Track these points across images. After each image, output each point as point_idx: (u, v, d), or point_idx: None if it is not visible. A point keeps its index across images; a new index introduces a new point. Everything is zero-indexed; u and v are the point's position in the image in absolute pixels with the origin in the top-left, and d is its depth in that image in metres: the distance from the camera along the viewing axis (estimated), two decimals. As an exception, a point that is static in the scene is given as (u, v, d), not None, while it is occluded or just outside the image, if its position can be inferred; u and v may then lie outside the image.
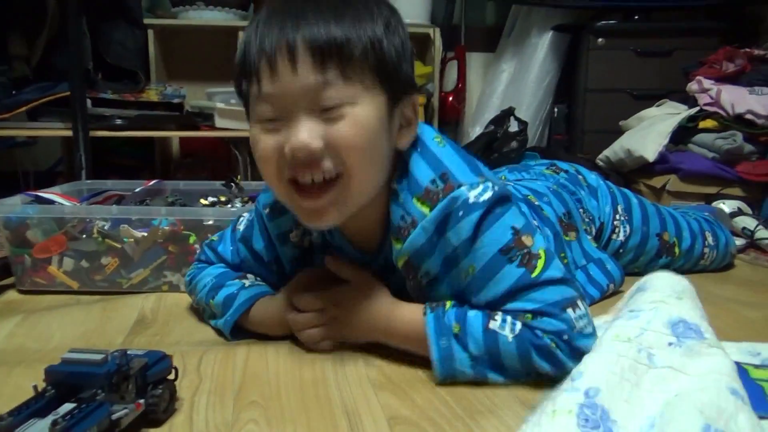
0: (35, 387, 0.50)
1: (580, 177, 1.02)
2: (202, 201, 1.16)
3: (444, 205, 0.62)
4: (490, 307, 0.63)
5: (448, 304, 0.65)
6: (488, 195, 0.62)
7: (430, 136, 0.68)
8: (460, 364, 0.61)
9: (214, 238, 0.85)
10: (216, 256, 0.82)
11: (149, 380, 0.54)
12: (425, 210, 0.63)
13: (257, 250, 0.78)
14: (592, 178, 1.04)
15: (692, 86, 1.74)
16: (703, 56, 1.80)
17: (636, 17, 2.15)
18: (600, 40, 2.10)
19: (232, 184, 1.20)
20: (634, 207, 1.02)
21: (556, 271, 0.62)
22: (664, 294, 0.60)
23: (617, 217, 1.00)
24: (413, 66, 0.66)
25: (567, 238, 0.88)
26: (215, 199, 1.15)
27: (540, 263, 0.62)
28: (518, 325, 0.60)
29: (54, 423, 0.44)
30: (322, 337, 0.69)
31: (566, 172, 1.03)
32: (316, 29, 0.57)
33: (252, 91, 0.61)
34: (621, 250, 1.00)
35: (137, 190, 1.16)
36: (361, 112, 0.59)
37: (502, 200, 0.63)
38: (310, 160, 0.59)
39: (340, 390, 0.61)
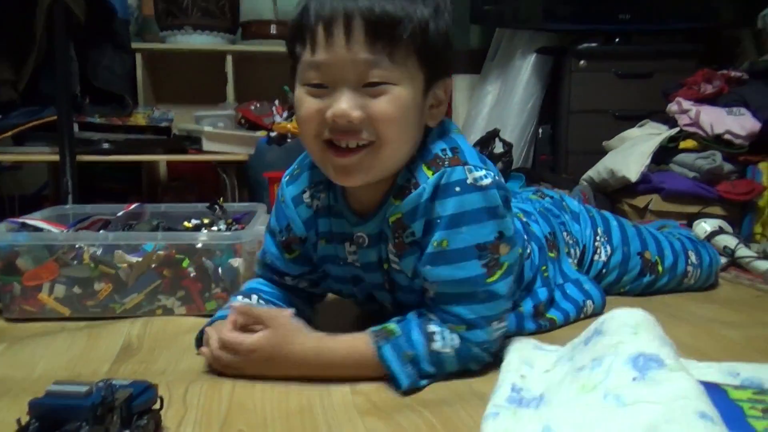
0: (18, 421, 0.50)
1: (564, 203, 1.06)
2: (186, 224, 1.16)
3: (444, 172, 0.67)
4: (438, 298, 0.69)
5: (393, 329, 0.68)
6: (488, 181, 0.67)
7: (452, 125, 0.75)
8: (414, 382, 0.67)
9: None
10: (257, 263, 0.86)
11: (134, 411, 0.54)
12: (429, 174, 0.68)
13: (272, 227, 0.82)
14: (575, 204, 1.08)
15: (672, 107, 1.77)
16: (682, 78, 1.85)
17: (617, 40, 2.20)
18: (582, 62, 2.15)
19: (216, 206, 1.21)
20: (613, 228, 1.05)
21: (504, 286, 0.69)
22: (620, 335, 0.62)
23: (597, 238, 1.03)
24: (452, 49, 0.70)
25: (550, 255, 0.92)
26: (198, 221, 1.16)
27: (498, 273, 0.68)
28: (456, 340, 0.68)
29: (38, 457, 0.44)
30: (243, 371, 0.70)
31: (551, 198, 1.07)
32: (374, 3, 0.61)
33: (304, 56, 0.65)
34: (604, 270, 1.03)
35: (119, 214, 1.16)
36: (400, 92, 0.64)
37: (507, 202, 0.70)
38: (348, 128, 0.63)
39: (326, 417, 0.61)
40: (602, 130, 2.04)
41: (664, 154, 1.73)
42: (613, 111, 2.13)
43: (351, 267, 0.79)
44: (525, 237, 0.87)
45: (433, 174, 0.67)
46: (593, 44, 2.17)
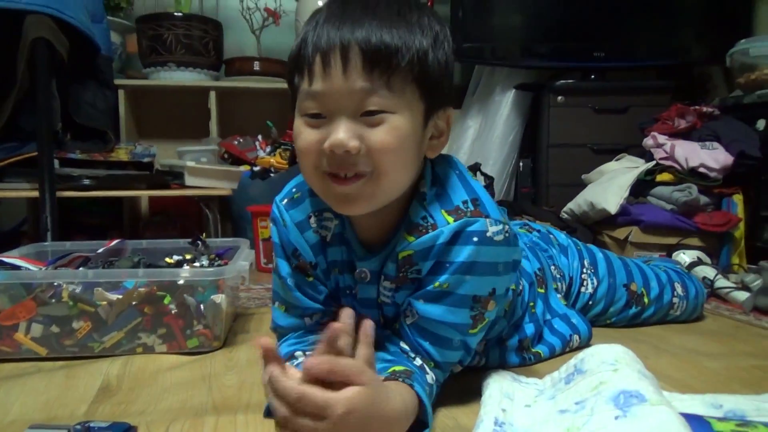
0: None
1: (551, 236, 1.07)
2: (168, 260, 1.14)
3: (467, 221, 0.67)
4: (416, 328, 0.70)
5: (404, 367, 0.66)
6: (500, 238, 0.67)
7: (464, 168, 0.74)
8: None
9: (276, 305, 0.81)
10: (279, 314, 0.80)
11: None
12: (449, 220, 0.68)
13: (283, 252, 0.77)
14: (562, 237, 1.09)
15: (647, 141, 1.82)
16: (657, 113, 1.90)
17: (593, 76, 2.26)
18: (560, 98, 2.20)
19: (198, 241, 1.20)
20: (599, 260, 1.06)
21: (477, 340, 0.72)
22: (601, 374, 0.63)
23: (584, 270, 1.04)
24: (452, 80, 0.70)
25: (539, 290, 0.93)
26: (180, 257, 1.15)
27: (479, 326, 0.70)
28: (433, 375, 0.69)
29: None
30: None
31: (538, 231, 1.08)
32: (370, 34, 0.61)
33: (302, 86, 0.64)
34: (591, 302, 1.04)
35: (100, 250, 1.15)
36: (399, 121, 0.63)
37: (515, 265, 0.72)
38: (345, 158, 0.62)
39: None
40: (581, 163, 2.08)
41: (641, 187, 1.76)
42: (591, 145, 2.18)
43: (350, 299, 0.78)
44: (517, 274, 0.87)
45: (453, 221, 0.67)
46: (570, 81, 2.23)
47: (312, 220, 0.76)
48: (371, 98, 0.61)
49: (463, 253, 0.66)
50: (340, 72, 0.61)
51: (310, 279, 0.77)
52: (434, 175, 0.71)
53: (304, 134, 0.65)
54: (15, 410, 0.74)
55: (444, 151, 0.75)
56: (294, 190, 0.78)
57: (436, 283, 0.67)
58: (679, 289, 1.10)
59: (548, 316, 0.93)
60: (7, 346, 0.92)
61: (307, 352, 0.72)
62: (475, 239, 0.66)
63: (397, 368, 0.65)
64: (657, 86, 2.25)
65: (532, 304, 0.90)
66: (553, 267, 1.00)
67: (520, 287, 0.87)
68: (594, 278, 1.04)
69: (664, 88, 2.23)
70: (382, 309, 0.76)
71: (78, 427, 0.51)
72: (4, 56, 1.58)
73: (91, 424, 0.53)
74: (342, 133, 0.61)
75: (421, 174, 0.71)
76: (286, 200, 0.78)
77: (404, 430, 0.60)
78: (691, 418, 0.58)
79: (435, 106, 0.67)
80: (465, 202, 0.69)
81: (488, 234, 0.66)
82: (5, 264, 1.00)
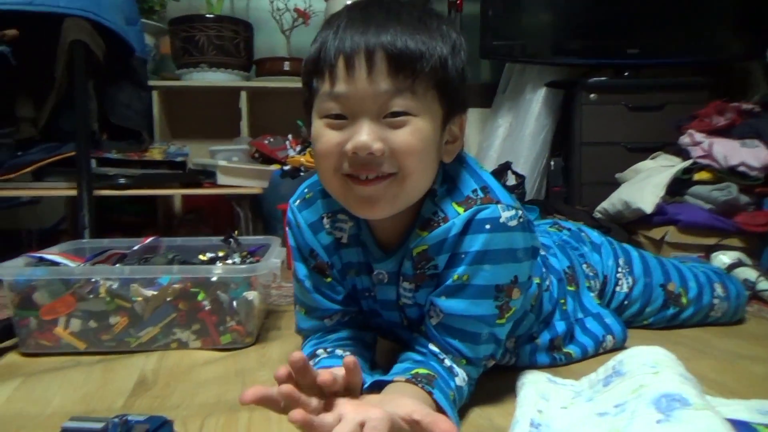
0: None
1: (583, 234, 1.05)
2: (201, 257, 1.16)
3: (477, 208, 0.66)
4: (442, 328, 0.68)
5: (429, 372, 0.65)
6: (515, 222, 0.67)
7: (475, 161, 0.74)
8: (459, 426, 0.64)
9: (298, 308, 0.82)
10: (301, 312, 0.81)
11: None
12: (460, 210, 0.67)
13: (300, 254, 0.78)
14: (595, 235, 1.06)
15: (684, 140, 1.77)
16: (694, 110, 1.85)
17: (626, 74, 2.21)
18: (592, 95, 2.16)
19: (231, 239, 1.21)
20: (634, 259, 1.04)
21: (506, 330, 0.71)
22: (641, 377, 0.62)
23: (619, 269, 1.02)
24: (466, 87, 0.70)
25: (570, 288, 0.91)
26: (214, 254, 1.16)
27: (507, 316, 0.69)
28: (464, 374, 0.68)
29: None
30: None
31: (569, 230, 1.06)
32: (395, 39, 0.61)
33: (322, 88, 0.64)
34: (626, 302, 1.02)
35: (135, 247, 1.17)
36: (421, 124, 0.63)
37: (534, 252, 0.71)
38: (369, 160, 0.62)
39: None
40: (615, 161, 2.04)
41: (678, 186, 1.72)
42: (625, 143, 2.13)
43: (371, 301, 0.78)
44: (543, 269, 0.86)
45: (464, 211, 0.67)
46: (603, 78, 2.19)
47: (325, 221, 0.76)
48: (395, 100, 0.62)
49: (477, 242, 0.66)
50: (364, 74, 0.61)
51: (329, 280, 0.77)
52: (444, 172, 0.71)
53: (325, 136, 0.64)
54: (55, 402, 0.75)
55: (473, 151, 0.75)
56: (306, 190, 0.78)
57: (455, 276, 0.67)
58: (719, 290, 1.07)
59: (580, 315, 0.91)
60: (48, 340, 0.94)
61: (329, 349, 0.73)
62: (488, 226, 0.66)
63: (421, 371, 0.65)
64: (694, 83, 2.19)
65: (563, 300, 0.88)
66: (585, 265, 0.98)
67: (547, 282, 0.86)
68: (629, 277, 1.01)
69: (701, 84, 2.17)
70: (404, 311, 0.76)
71: (116, 420, 0.52)
72: (44, 59, 1.63)
73: (129, 418, 0.54)
74: (365, 135, 0.61)
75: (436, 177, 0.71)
76: (298, 201, 0.78)
77: None
78: (737, 424, 0.56)
79: (452, 111, 0.67)
80: (474, 191, 0.69)
81: (501, 220, 0.66)
82: (46, 260, 1.03)
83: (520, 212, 0.68)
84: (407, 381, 0.62)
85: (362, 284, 0.77)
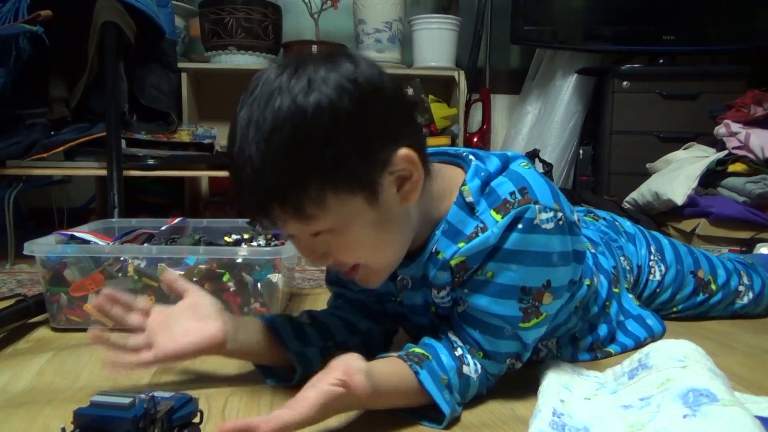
0: (63, 429, 0.51)
1: (617, 224, 1.02)
2: (227, 238, 1.17)
3: (514, 213, 0.63)
4: (465, 316, 0.67)
5: (423, 352, 0.65)
6: (550, 225, 0.64)
7: (517, 161, 0.69)
8: (454, 410, 0.63)
9: None
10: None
11: (174, 424, 0.54)
12: (498, 217, 0.64)
13: None
14: (628, 224, 1.04)
15: (720, 130, 1.73)
16: (730, 99, 1.80)
17: (661, 61, 2.16)
18: (625, 83, 2.12)
19: (256, 222, 1.22)
20: (665, 246, 1.02)
21: (533, 335, 0.68)
22: (667, 371, 0.61)
23: (651, 257, 1.00)
24: (390, 124, 0.61)
25: (615, 290, 0.89)
26: (239, 236, 1.17)
27: (534, 321, 0.66)
28: (478, 365, 0.67)
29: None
30: None
31: (604, 219, 1.03)
32: (256, 193, 0.59)
33: None
34: (658, 290, 1.00)
35: (163, 228, 1.18)
36: (342, 233, 0.61)
37: (578, 256, 0.68)
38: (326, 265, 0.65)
39: (364, 437, 0.60)
40: (646, 151, 2.00)
41: (711, 178, 1.68)
42: (657, 133, 2.09)
43: (398, 305, 0.77)
44: (593, 269, 0.83)
45: (501, 218, 0.63)
46: (637, 65, 2.13)
47: None
48: (304, 226, 0.60)
49: (507, 241, 0.63)
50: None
51: None
52: (483, 178, 0.66)
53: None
54: (84, 377, 0.77)
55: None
56: None
57: (480, 271, 0.65)
58: (744, 278, 1.06)
59: (621, 318, 0.89)
60: (78, 316, 0.96)
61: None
62: (520, 226, 0.63)
63: (417, 350, 0.66)
64: (731, 71, 2.13)
65: (608, 303, 0.86)
66: (622, 258, 0.95)
67: (595, 282, 0.82)
68: (662, 264, 1.00)
69: (739, 73, 2.10)
70: (436, 314, 0.74)
71: (143, 396, 0.53)
72: (77, 40, 1.65)
73: (155, 394, 0.55)
74: (306, 254, 0.65)
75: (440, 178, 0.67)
76: None
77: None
78: (766, 422, 0.54)
79: (368, 181, 0.59)
80: (512, 193, 0.64)
81: (535, 221, 0.63)
82: (76, 238, 1.05)
83: (560, 214, 0.65)
84: (398, 357, 0.64)
85: (386, 288, 0.76)
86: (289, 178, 0.57)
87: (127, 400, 0.52)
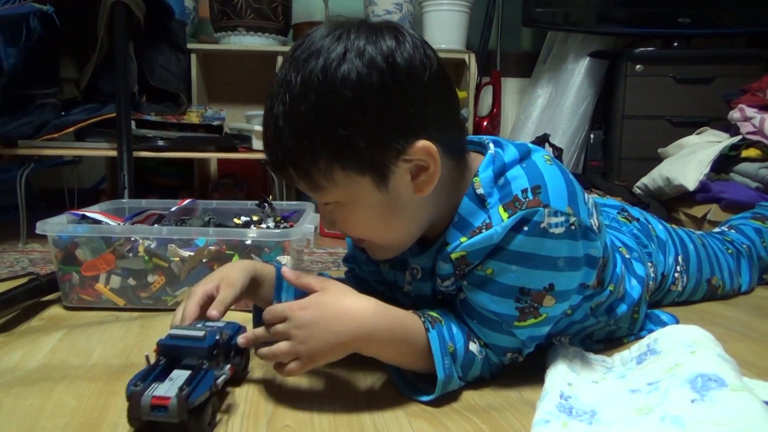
0: (147, 357, 0.60)
1: (650, 227, 1.00)
2: (236, 220, 1.18)
3: (521, 215, 0.61)
4: (465, 305, 0.67)
5: (438, 316, 0.66)
6: (560, 230, 0.62)
7: (540, 155, 0.67)
8: (453, 383, 0.64)
9: None
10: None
11: (232, 349, 0.65)
12: (504, 216, 0.62)
13: None
14: (660, 229, 1.01)
15: (734, 114, 1.70)
16: (745, 83, 1.77)
17: (675, 44, 2.12)
18: (638, 66, 2.09)
19: (265, 204, 1.22)
20: (690, 254, 1.01)
21: (529, 334, 0.66)
22: (676, 356, 0.61)
23: (678, 268, 1.00)
24: (407, 115, 0.59)
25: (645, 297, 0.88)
26: (248, 218, 1.18)
27: (531, 321, 0.65)
28: (482, 348, 0.67)
29: (180, 389, 0.53)
30: (289, 351, 0.60)
31: (638, 220, 1.00)
32: (275, 150, 0.62)
33: None
34: (677, 299, 1.03)
35: (173, 209, 1.19)
36: (348, 208, 0.63)
37: (590, 260, 0.67)
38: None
39: (373, 418, 0.61)
40: (658, 136, 1.98)
41: (724, 163, 1.66)
42: (670, 117, 2.06)
43: (407, 296, 0.77)
44: (620, 275, 0.79)
45: (508, 217, 0.61)
46: (650, 48, 2.10)
47: None
48: (316, 194, 0.63)
49: (512, 242, 0.62)
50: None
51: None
52: (496, 168, 0.65)
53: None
54: (96, 354, 0.78)
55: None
56: None
57: (481, 266, 0.64)
58: (737, 278, 1.11)
59: (652, 326, 0.87)
60: (89, 295, 0.97)
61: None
62: (526, 229, 0.61)
63: (432, 313, 0.66)
64: (747, 55, 2.10)
65: (636, 308, 0.83)
66: (649, 264, 0.93)
67: (621, 288, 0.79)
68: (685, 276, 1.01)
69: (755, 57, 2.07)
70: (443, 301, 0.73)
71: (215, 327, 0.63)
72: (87, 21, 1.64)
73: (208, 324, 0.64)
74: (320, 215, 0.68)
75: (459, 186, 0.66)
76: None
77: (395, 355, 0.64)
78: (775, 407, 0.54)
79: (382, 166, 0.60)
80: (524, 191, 0.62)
81: (542, 225, 0.61)
82: (88, 218, 1.06)
83: (572, 218, 0.62)
84: (413, 312, 0.65)
85: (392, 277, 0.77)
86: (303, 146, 0.59)
87: (200, 333, 0.60)
